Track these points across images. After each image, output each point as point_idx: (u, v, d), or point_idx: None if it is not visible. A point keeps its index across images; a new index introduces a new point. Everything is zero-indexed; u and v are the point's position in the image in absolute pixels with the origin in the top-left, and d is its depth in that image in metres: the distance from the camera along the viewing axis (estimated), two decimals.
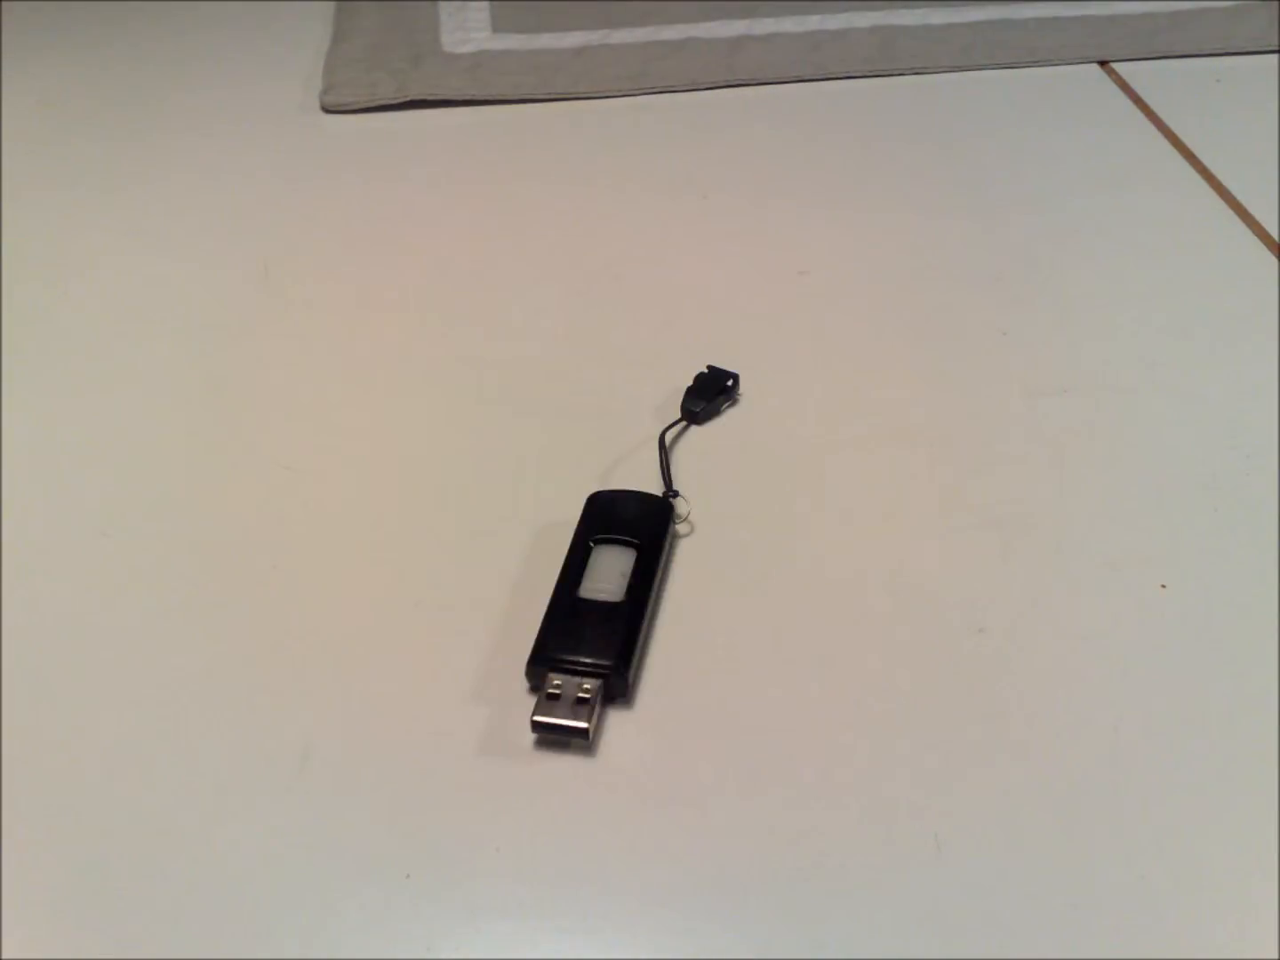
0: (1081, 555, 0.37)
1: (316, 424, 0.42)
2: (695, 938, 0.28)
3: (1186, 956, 0.28)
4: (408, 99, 0.60)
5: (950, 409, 0.42)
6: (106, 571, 0.37)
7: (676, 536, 0.38)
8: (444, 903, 0.29)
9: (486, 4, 0.69)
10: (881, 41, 0.64)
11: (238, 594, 0.36)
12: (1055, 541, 0.37)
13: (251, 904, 0.29)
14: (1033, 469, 0.40)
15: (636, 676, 0.34)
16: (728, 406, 0.42)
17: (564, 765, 0.32)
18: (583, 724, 0.31)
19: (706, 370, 0.43)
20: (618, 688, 0.33)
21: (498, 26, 0.67)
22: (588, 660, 0.32)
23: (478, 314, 0.47)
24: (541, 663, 0.33)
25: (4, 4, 0.71)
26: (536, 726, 0.32)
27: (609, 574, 0.35)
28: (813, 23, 0.66)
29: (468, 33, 0.66)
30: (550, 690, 0.32)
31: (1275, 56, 0.62)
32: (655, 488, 0.39)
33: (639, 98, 0.61)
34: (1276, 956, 0.28)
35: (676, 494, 0.39)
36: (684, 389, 0.42)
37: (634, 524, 0.36)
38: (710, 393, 0.42)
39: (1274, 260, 0.49)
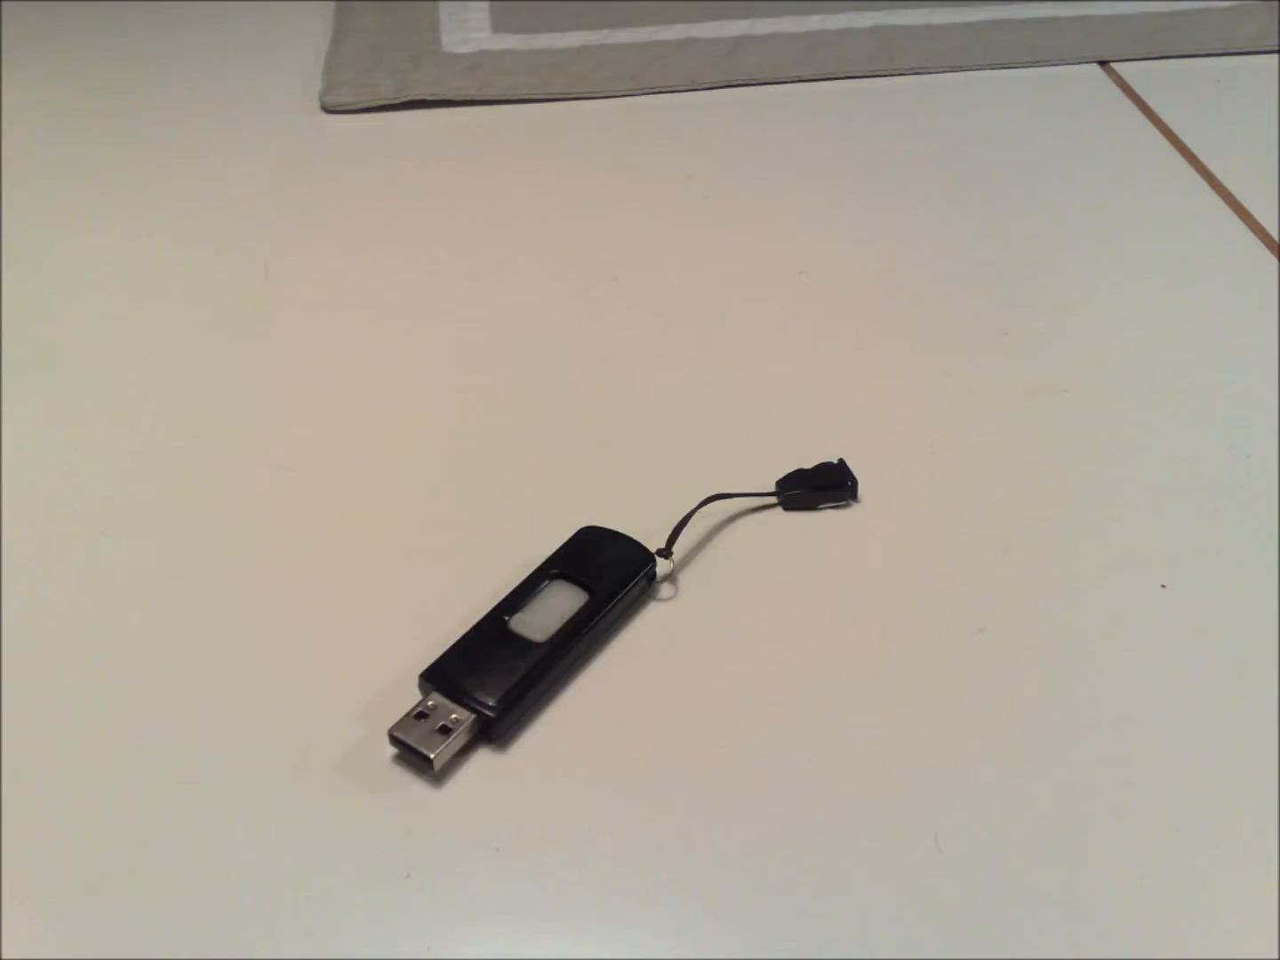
0: (1081, 555, 0.37)
1: (317, 424, 0.42)
2: (695, 938, 0.28)
3: (1186, 956, 0.28)
4: (408, 99, 0.60)
5: (950, 408, 0.42)
6: (106, 571, 0.37)
7: (653, 598, 0.36)
8: (444, 903, 0.29)
9: (486, 4, 0.69)
10: (881, 41, 0.64)
11: (238, 594, 0.36)
12: (1055, 541, 0.37)
13: (251, 904, 0.29)
14: (1033, 469, 0.40)
15: (518, 723, 0.32)
16: (826, 507, 0.38)
17: (563, 766, 0.32)
18: (428, 753, 0.30)
19: (837, 463, 0.39)
20: (494, 729, 0.31)
21: (498, 26, 0.67)
22: (473, 694, 0.31)
23: (478, 313, 0.47)
24: (430, 679, 0.32)
25: (3, 3, 0.71)
26: (393, 740, 0.31)
27: (549, 612, 0.34)
28: (813, 23, 0.66)
29: (468, 33, 0.66)
30: (422, 710, 0.31)
31: (1275, 56, 0.62)
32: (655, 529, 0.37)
33: (639, 98, 0.61)
34: (1276, 957, 0.28)
35: (667, 553, 0.36)
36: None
37: (600, 569, 0.35)
38: (820, 483, 0.38)
39: (1274, 260, 0.49)
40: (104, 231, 0.52)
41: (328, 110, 0.60)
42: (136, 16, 0.69)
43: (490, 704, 0.31)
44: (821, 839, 0.30)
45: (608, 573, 0.35)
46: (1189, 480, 0.39)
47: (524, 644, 0.33)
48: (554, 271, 0.49)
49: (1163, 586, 0.36)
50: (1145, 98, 0.59)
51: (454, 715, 0.31)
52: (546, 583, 0.35)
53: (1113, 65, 0.62)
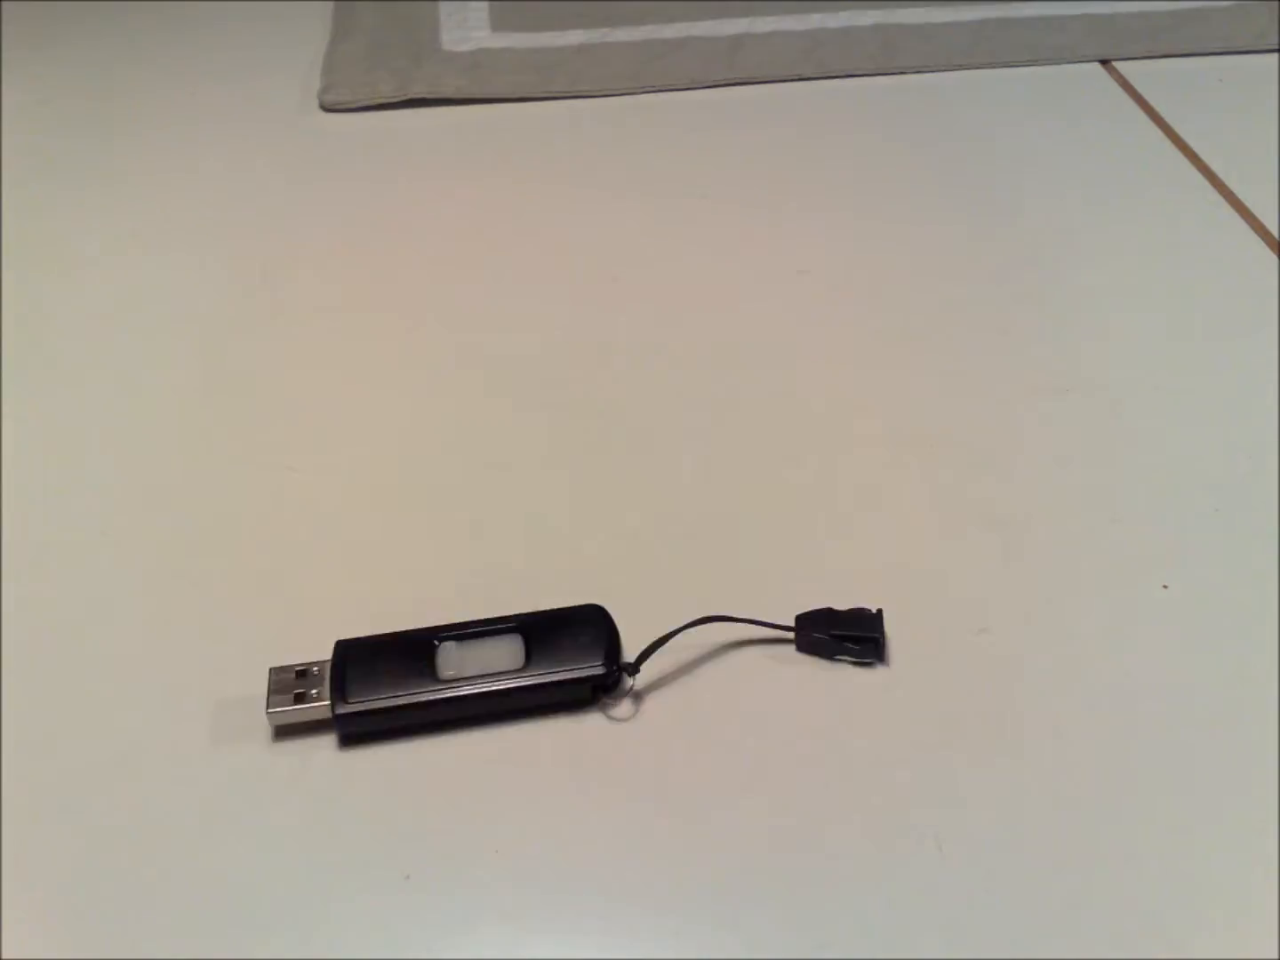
0: (1083, 555, 0.37)
1: (317, 424, 0.42)
2: (695, 938, 0.28)
3: (1186, 956, 0.28)
4: (407, 98, 0.60)
5: (950, 409, 0.42)
6: (106, 571, 0.37)
7: (604, 709, 0.33)
8: (444, 903, 0.29)
9: (486, 3, 0.69)
10: (883, 40, 0.64)
11: (239, 594, 0.36)
12: (1057, 541, 0.37)
13: (251, 905, 0.29)
14: (1033, 469, 0.40)
15: (368, 737, 0.32)
16: (841, 659, 0.34)
17: (562, 767, 0.32)
18: (267, 708, 0.32)
19: (875, 612, 0.34)
20: (340, 727, 0.32)
21: (497, 25, 0.67)
22: (345, 684, 0.32)
23: (477, 313, 0.47)
24: (338, 649, 0.33)
25: (3, 3, 0.71)
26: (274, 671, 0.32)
27: (477, 658, 0.33)
28: (814, 21, 0.66)
29: (467, 31, 0.66)
30: (308, 669, 0.32)
31: (1277, 56, 0.62)
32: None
33: (639, 96, 0.61)
34: (1276, 957, 0.28)
35: (635, 669, 0.33)
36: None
37: (558, 650, 0.33)
38: (845, 628, 0.34)
39: (1275, 259, 0.49)
40: (104, 231, 0.52)
41: (327, 109, 0.60)
42: (136, 16, 0.69)
43: (345, 703, 0.32)
44: (822, 839, 0.30)
45: (559, 658, 0.33)
46: (1190, 480, 0.39)
47: (429, 673, 0.32)
48: (554, 271, 0.49)
49: (1164, 587, 0.36)
50: (1147, 96, 0.59)
51: (315, 691, 0.32)
52: (501, 634, 0.33)
53: (1114, 64, 0.62)
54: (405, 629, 0.33)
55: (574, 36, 0.65)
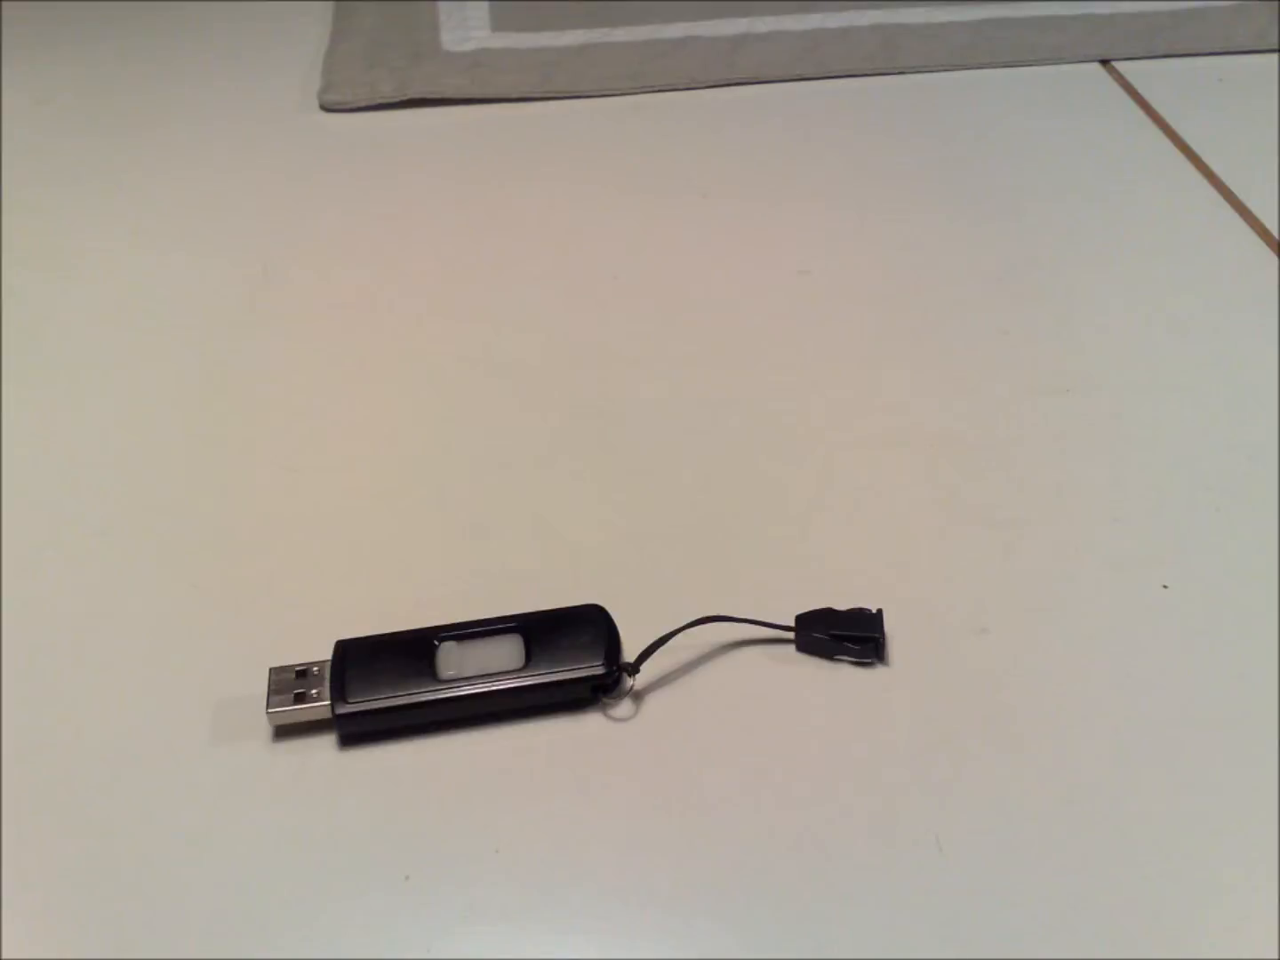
0: (1083, 555, 0.37)
1: (317, 424, 0.42)
2: (695, 938, 0.28)
3: (1186, 956, 0.28)
4: (407, 98, 0.60)
5: (951, 408, 0.42)
6: (106, 571, 0.37)
7: (605, 710, 0.33)
8: (444, 903, 0.29)
9: (486, 3, 0.69)
10: (883, 40, 0.64)
11: (239, 594, 0.36)
12: (1057, 541, 0.37)
13: (251, 904, 0.29)
14: (1033, 468, 0.40)
15: (369, 737, 0.32)
16: (840, 659, 0.34)
17: (562, 767, 0.32)
18: (267, 708, 0.32)
19: (875, 612, 0.34)
20: (339, 727, 0.32)
21: (497, 25, 0.67)
22: (345, 685, 0.32)
23: (477, 312, 0.47)
24: (338, 650, 0.33)
25: (3, 3, 0.71)
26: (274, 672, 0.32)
27: (478, 658, 0.32)
28: (814, 21, 0.66)
29: (467, 31, 0.66)
30: (308, 670, 0.32)
31: (1277, 56, 0.62)
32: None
33: (639, 96, 0.61)
34: (1276, 957, 0.28)
35: (634, 670, 0.33)
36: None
37: (558, 651, 0.33)
38: (845, 628, 0.33)
39: (1275, 259, 0.48)
40: (103, 231, 0.52)
41: (326, 109, 0.60)
42: (136, 16, 0.69)
43: (345, 703, 0.32)
44: (822, 839, 0.30)
45: (560, 659, 0.33)
46: (1191, 480, 0.39)
47: (429, 673, 0.32)
48: (553, 270, 0.49)
49: (1165, 587, 0.36)
50: (1146, 96, 0.59)
51: (316, 691, 0.32)
52: (501, 634, 0.33)
53: (1114, 64, 0.62)
54: (405, 629, 0.33)
55: (574, 36, 0.65)
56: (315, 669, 0.32)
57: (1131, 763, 0.31)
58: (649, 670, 0.33)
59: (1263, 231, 0.50)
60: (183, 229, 0.52)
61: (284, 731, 0.32)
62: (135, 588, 0.36)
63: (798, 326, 0.46)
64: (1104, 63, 0.62)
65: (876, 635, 0.33)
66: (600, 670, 0.32)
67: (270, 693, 0.32)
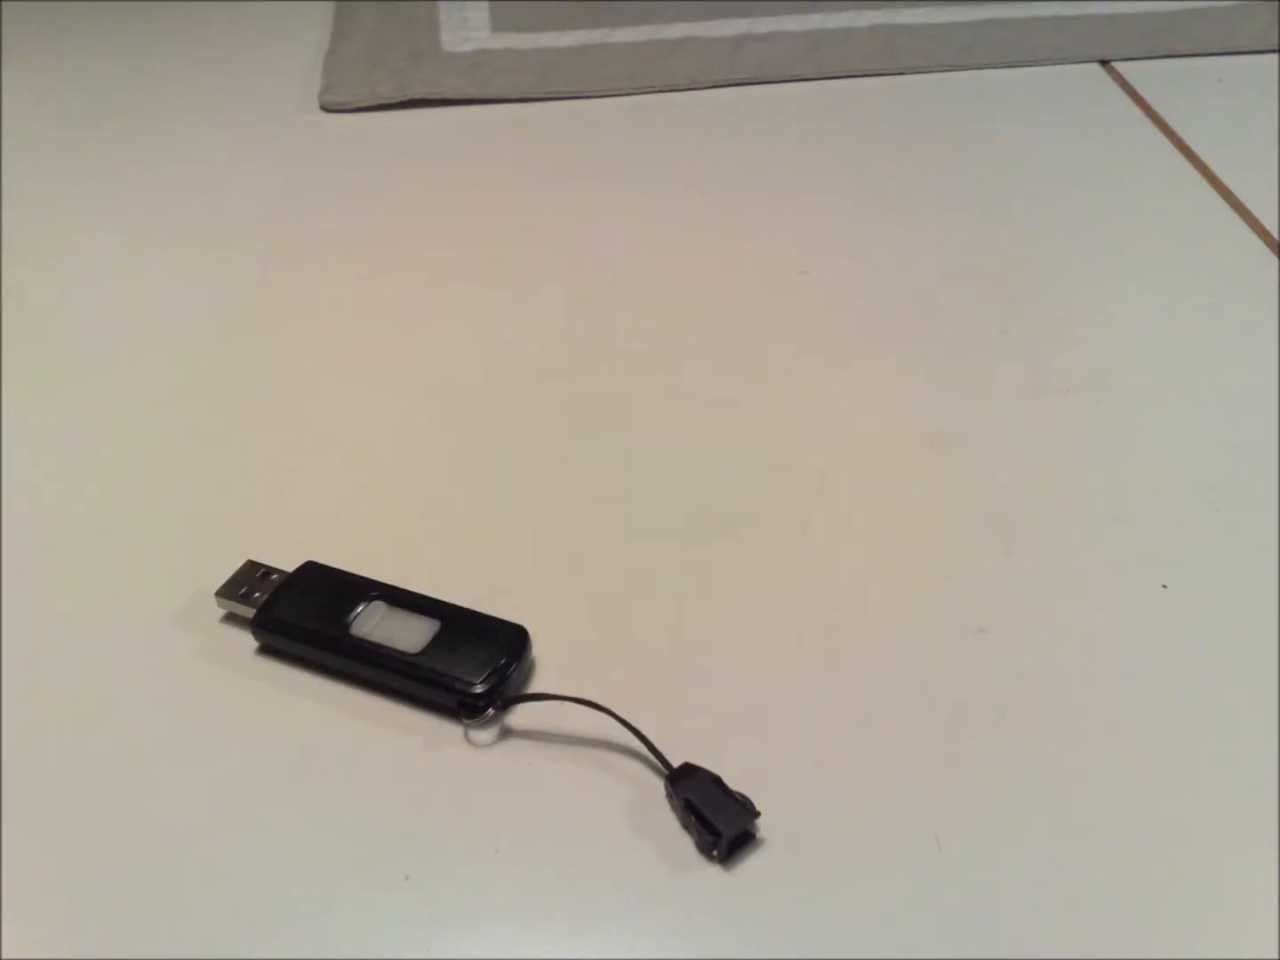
0: (1082, 555, 0.37)
1: (316, 423, 0.42)
2: (695, 938, 0.28)
3: (1187, 956, 0.28)
4: (407, 98, 0.60)
5: (951, 408, 0.42)
6: (106, 571, 0.37)
7: (467, 728, 0.32)
8: (444, 903, 0.29)
9: (486, 3, 0.69)
10: (882, 40, 0.64)
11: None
12: (1056, 541, 0.37)
13: (251, 904, 0.29)
14: (1033, 468, 0.40)
15: (277, 653, 0.34)
16: (688, 832, 0.30)
17: (561, 766, 0.32)
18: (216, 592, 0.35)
19: (752, 810, 0.30)
20: (257, 635, 0.34)
21: (497, 26, 0.67)
22: (272, 601, 0.34)
23: (477, 312, 0.47)
24: (298, 571, 0.35)
25: (3, 3, 0.71)
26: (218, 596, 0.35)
27: (397, 627, 0.33)
28: (813, 21, 0.66)
29: (467, 32, 0.66)
30: (266, 572, 0.35)
31: (1276, 56, 0.62)
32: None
33: (639, 97, 0.61)
34: (1276, 957, 0.28)
35: (501, 705, 0.32)
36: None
37: (459, 656, 0.32)
38: (708, 806, 0.29)
39: (1275, 259, 0.49)
40: (104, 231, 0.52)
41: (327, 110, 0.60)
42: (136, 16, 0.69)
43: (264, 613, 0.34)
44: (821, 839, 0.30)
45: (449, 661, 0.32)
46: (1190, 480, 0.39)
47: (342, 621, 0.33)
48: (554, 271, 0.49)
49: (1164, 586, 0.36)
50: (1146, 97, 0.59)
51: (258, 595, 0.34)
52: (425, 614, 0.33)
53: (1114, 64, 0.62)
54: (367, 575, 0.35)
55: (574, 37, 0.65)
56: (275, 576, 0.35)
57: (1131, 762, 0.31)
58: (531, 717, 0.32)
59: (1262, 232, 0.50)
60: (183, 228, 0.52)
61: (231, 619, 0.35)
62: (134, 587, 0.36)
63: (798, 326, 0.46)
64: (1104, 63, 0.62)
65: (722, 834, 0.29)
66: (467, 689, 0.32)
67: (229, 580, 0.35)
